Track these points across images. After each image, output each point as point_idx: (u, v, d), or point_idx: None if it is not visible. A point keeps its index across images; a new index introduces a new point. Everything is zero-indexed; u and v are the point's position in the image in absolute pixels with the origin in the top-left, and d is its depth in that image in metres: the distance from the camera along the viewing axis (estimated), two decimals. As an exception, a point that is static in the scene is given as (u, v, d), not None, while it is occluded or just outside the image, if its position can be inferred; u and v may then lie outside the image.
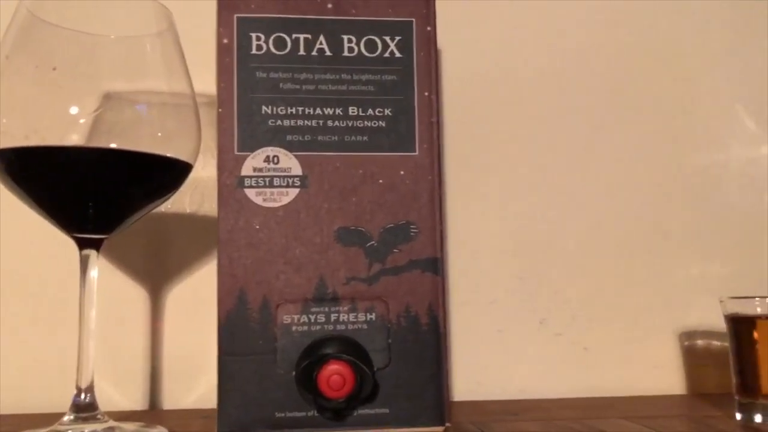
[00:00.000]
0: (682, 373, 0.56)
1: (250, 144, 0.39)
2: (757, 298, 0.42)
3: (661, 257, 0.57)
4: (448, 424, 0.39)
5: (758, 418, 0.40)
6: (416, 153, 0.39)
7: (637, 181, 0.57)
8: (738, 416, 0.42)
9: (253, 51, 0.39)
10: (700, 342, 0.56)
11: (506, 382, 0.54)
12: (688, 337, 0.56)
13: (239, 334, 0.37)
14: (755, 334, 0.41)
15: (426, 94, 0.40)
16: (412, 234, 0.39)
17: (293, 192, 0.39)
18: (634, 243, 0.57)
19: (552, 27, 0.58)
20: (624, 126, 0.58)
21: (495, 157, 0.57)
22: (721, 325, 0.43)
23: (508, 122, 0.57)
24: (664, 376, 0.55)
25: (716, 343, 0.55)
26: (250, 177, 0.38)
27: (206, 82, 0.44)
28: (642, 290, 0.56)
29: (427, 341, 0.38)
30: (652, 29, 0.59)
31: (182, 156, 0.40)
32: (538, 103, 0.58)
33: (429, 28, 0.41)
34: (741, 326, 0.42)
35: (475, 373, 0.54)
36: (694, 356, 0.56)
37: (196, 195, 0.52)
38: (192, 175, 0.42)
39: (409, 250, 0.39)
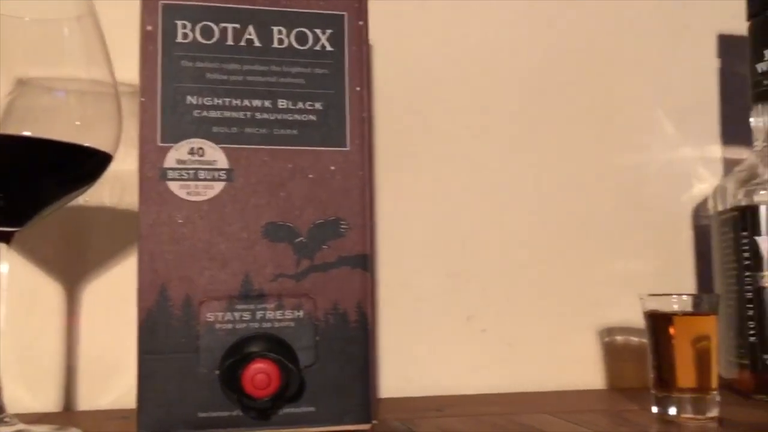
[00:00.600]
0: (602, 369, 0.57)
1: (173, 135, 0.37)
2: (674, 296, 0.43)
3: (585, 255, 0.58)
4: (374, 422, 0.39)
5: (672, 411, 0.42)
6: (347, 148, 0.39)
7: (563, 180, 0.59)
8: (654, 409, 0.43)
9: (179, 39, 0.38)
10: (619, 338, 0.57)
11: (433, 378, 0.54)
12: (608, 333, 0.58)
13: (160, 332, 0.36)
14: (672, 330, 0.43)
15: (357, 89, 0.40)
16: (341, 230, 0.39)
17: (219, 185, 0.38)
18: (559, 241, 0.58)
19: (483, 26, 0.59)
20: (551, 126, 0.59)
21: (425, 154, 0.57)
22: (641, 322, 0.45)
23: (439, 119, 0.57)
24: (586, 372, 0.57)
25: (635, 339, 0.57)
26: (174, 169, 0.37)
27: (129, 70, 0.42)
28: (566, 287, 0.58)
29: (355, 339, 0.38)
30: (580, 32, 0.60)
31: (101, 146, 0.39)
32: (468, 102, 0.58)
33: (361, 23, 0.40)
34: (658, 322, 0.43)
35: (403, 369, 0.54)
36: (614, 352, 0.57)
37: (116, 187, 0.50)
38: (112, 167, 0.40)
39: (338, 246, 0.38)
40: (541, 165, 0.58)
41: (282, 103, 0.39)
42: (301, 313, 0.38)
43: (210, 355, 0.36)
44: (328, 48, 0.40)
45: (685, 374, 0.41)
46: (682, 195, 0.60)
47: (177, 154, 0.37)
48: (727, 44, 0.62)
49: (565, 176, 0.59)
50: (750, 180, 0.50)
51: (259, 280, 0.37)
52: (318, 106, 0.39)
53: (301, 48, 0.39)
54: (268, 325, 0.37)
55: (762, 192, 0.49)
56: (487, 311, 0.56)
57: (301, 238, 0.38)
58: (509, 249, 0.57)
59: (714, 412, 0.41)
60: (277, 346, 0.36)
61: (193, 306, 0.37)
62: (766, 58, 0.51)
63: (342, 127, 0.39)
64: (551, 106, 0.59)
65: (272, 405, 0.36)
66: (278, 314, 0.37)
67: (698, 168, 0.61)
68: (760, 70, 0.52)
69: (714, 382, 0.42)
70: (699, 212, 0.60)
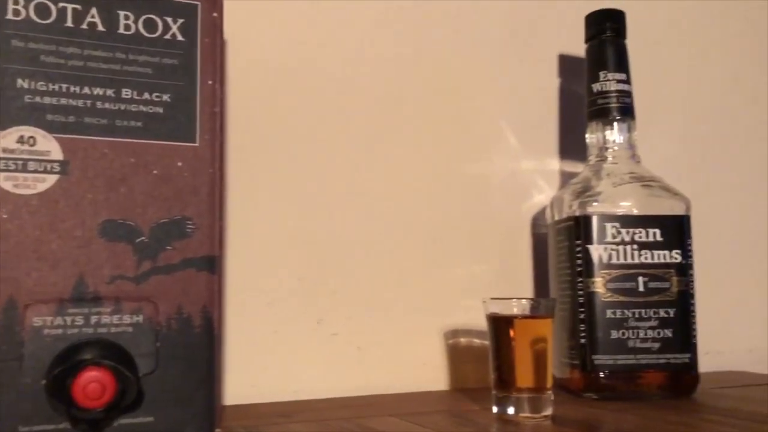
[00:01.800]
0: (446, 370, 0.59)
1: (0, 121, 0.34)
2: (514, 300, 0.45)
3: (432, 261, 0.60)
4: (218, 430, 0.37)
5: (511, 410, 0.44)
6: (196, 144, 0.37)
7: (412, 187, 0.60)
8: (494, 409, 0.45)
9: (9, 16, 0.35)
10: (462, 340, 0.59)
11: (281, 383, 0.53)
12: (452, 335, 0.59)
13: (-24, 339, 0.32)
14: (512, 333, 0.44)
15: (210, 82, 0.38)
16: (188, 230, 0.37)
17: (51, 178, 0.34)
18: (407, 246, 0.59)
19: (340, 31, 0.59)
20: (403, 133, 0.60)
21: (279, 155, 0.56)
22: (484, 325, 0.47)
23: (293, 120, 0.57)
24: (430, 373, 0.58)
25: (477, 341, 0.59)
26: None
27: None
28: (413, 291, 0.59)
29: (199, 344, 0.36)
30: (434, 45, 0.62)
31: None
32: (323, 104, 0.58)
33: (215, 14, 0.39)
34: (499, 325, 0.45)
35: (250, 375, 0.53)
36: (457, 354, 0.59)
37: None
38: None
39: (183, 247, 0.37)
40: (392, 171, 0.59)
41: (126, 93, 0.36)
42: (140, 318, 0.35)
43: (36, 364, 0.33)
44: (179, 38, 0.38)
45: (523, 375, 0.43)
46: (523, 204, 0.64)
47: (4, 142, 0.34)
48: (567, 64, 0.66)
49: (414, 183, 0.60)
50: (584, 192, 0.54)
51: (94, 282, 0.35)
52: (166, 98, 0.37)
53: (150, 36, 0.37)
54: (104, 330, 0.35)
55: (595, 203, 0.52)
56: (337, 315, 0.56)
57: (143, 238, 0.36)
58: (360, 253, 0.57)
59: (548, 411, 0.44)
60: (113, 353, 0.34)
61: (17, 310, 0.33)
62: (601, 79, 0.55)
63: (191, 122, 0.37)
64: (404, 114, 0.60)
65: (106, 416, 0.33)
66: (115, 319, 0.35)
67: (538, 179, 0.64)
68: (595, 90, 0.56)
69: (549, 382, 0.44)
70: (538, 221, 0.63)
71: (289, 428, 0.42)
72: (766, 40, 0.77)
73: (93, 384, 0.32)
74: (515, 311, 0.45)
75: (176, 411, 0.36)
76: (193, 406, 0.36)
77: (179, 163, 0.37)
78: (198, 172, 0.37)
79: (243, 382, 0.52)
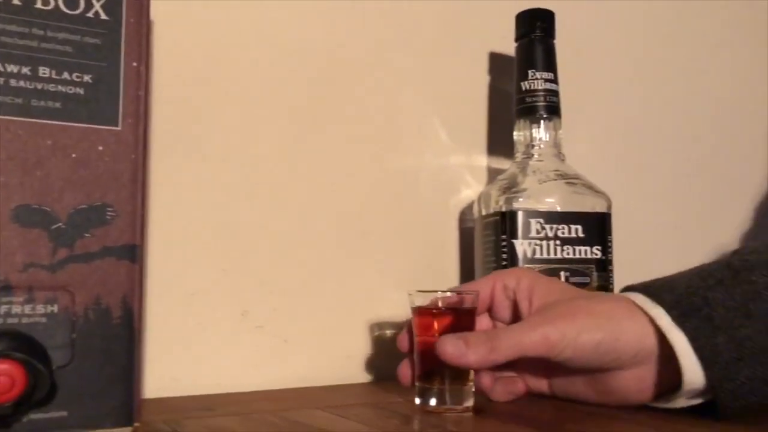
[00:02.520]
0: (372, 362, 0.59)
1: None
2: (439, 292, 0.46)
3: (359, 253, 0.60)
4: (136, 425, 0.36)
5: (433, 402, 0.44)
6: (119, 127, 0.36)
7: (341, 179, 0.59)
8: (417, 401, 0.45)
9: None
10: (388, 332, 0.60)
11: (204, 376, 0.52)
12: (378, 328, 0.59)
13: None
14: (436, 325, 0.45)
15: (134, 64, 0.36)
16: (108, 217, 0.35)
17: (-41, 159, 0.32)
18: (335, 239, 0.59)
19: (272, 20, 0.58)
20: (333, 126, 0.60)
21: (205, 143, 0.54)
22: (409, 317, 0.47)
23: (221, 109, 0.55)
24: (357, 366, 0.58)
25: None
26: None
27: None
28: (341, 284, 0.58)
29: (118, 336, 0.35)
30: (366, 38, 0.62)
31: None
32: (252, 93, 0.57)
33: (142, -6, 0.37)
34: (424, 317, 0.45)
35: (171, 368, 0.51)
36: (383, 346, 0.59)
37: None
38: None
39: (103, 235, 0.35)
40: (321, 163, 0.59)
41: (44, 72, 0.34)
42: (55, 308, 0.34)
43: (-63, 356, 0.31)
44: (103, 16, 0.36)
45: (446, 367, 0.44)
46: (451, 199, 0.64)
47: None
48: (497, 62, 0.67)
49: (343, 176, 0.60)
50: (510, 188, 0.55)
51: (5, 270, 0.33)
52: (87, 78, 0.35)
53: (71, 12, 0.35)
54: (15, 320, 0.33)
55: (520, 199, 0.53)
56: (263, 307, 0.55)
57: (60, 224, 0.34)
58: (287, 245, 0.57)
59: (470, 402, 0.44)
60: (24, 345, 0.32)
61: None
62: (529, 78, 0.57)
63: (114, 104, 0.36)
64: (335, 107, 0.60)
65: (14, 411, 0.31)
66: (28, 308, 0.33)
67: (466, 175, 0.65)
68: (524, 88, 0.57)
69: (471, 374, 0.45)
70: (465, 215, 0.64)
71: (211, 422, 0.41)
72: (686, 40, 0.80)
73: (1, 377, 0.31)
74: (440, 304, 0.45)
75: (92, 405, 0.34)
76: (111, 400, 0.35)
77: (100, 147, 0.35)
78: (120, 157, 0.36)
79: (164, 374, 0.51)
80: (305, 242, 0.57)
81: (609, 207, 0.55)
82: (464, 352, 0.41)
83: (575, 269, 0.53)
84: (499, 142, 0.65)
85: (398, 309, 0.58)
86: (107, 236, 0.35)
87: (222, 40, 0.56)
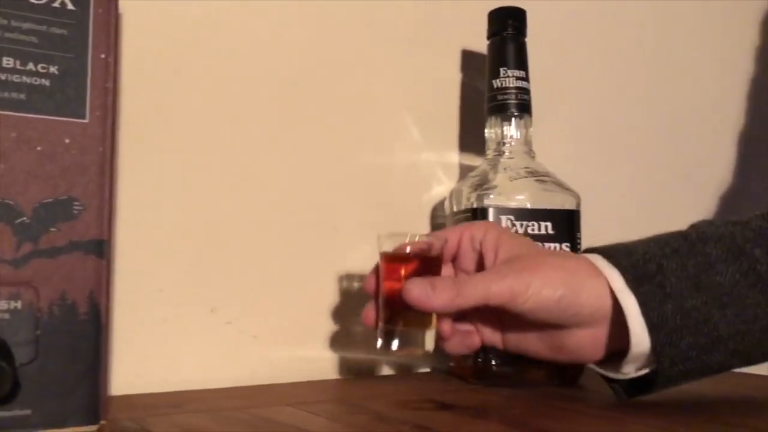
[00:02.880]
0: (342, 358, 0.59)
1: None
2: (408, 236, 0.45)
3: (332, 249, 0.59)
4: (102, 422, 0.35)
5: (395, 345, 0.44)
6: (86, 120, 0.35)
7: (313, 175, 0.59)
8: (379, 343, 0.44)
9: None
10: (359, 329, 0.59)
11: (172, 373, 0.51)
12: (350, 323, 0.59)
13: None
14: (402, 270, 0.44)
15: (102, 56, 0.36)
16: (74, 211, 0.35)
17: None
18: (306, 234, 0.58)
19: (243, 13, 0.57)
20: (305, 123, 0.59)
21: (174, 137, 0.54)
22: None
23: (192, 103, 0.55)
24: (326, 362, 0.58)
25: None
26: None
27: None
28: (311, 280, 0.58)
29: (84, 332, 0.34)
30: (340, 35, 0.61)
31: None
32: (224, 88, 0.56)
33: (110, -16, 0.36)
34: (391, 262, 0.45)
35: (138, 365, 0.51)
36: (354, 341, 0.59)
37: None
38: None
39: (69, 229, 0.34)
40: (293, 159, 0.58)
41: (7, 62, 0.34)
42: (19, 304, 0.33)
43: None
44: (70, 6, 0.35)
45: (410, 311, 0.43)
46: (423, 195, 0.64)
47: None
48: (469, 60, 0.67)
49: (316, 172, 0.59)
50: (482, 185, 0.55)
51: (-34, 265, 0.32)
52: (53, 69, 0.34)
53: (36, 2, 0.34)
54: (-23, 316, 0.32)
55: (491, 196, 0.54)
56: (231, 303, 0.55)
57: (24, 219, 0.33)
58: (257, 241, 0.56)
59: (430, 347, 0.44)
60: (-14, 342, 0.32)
61: None
62: (501, 76, 0.57)
63: (81, 96, 0.35)
64: (307, 103, 0.59)
65: (-23, 409, 0.31)
66: (-10, 304, 0.32)
67: (438, 172, 0.65)
68: (495, 86, 0.57)
69: (434, 321, 0.44)
70: (437, 212, 0.64)
71: (179, 419, 0.41)
72: (653, 41, 0.81)
73: (-37, 375, 0.30)
74: (407, 250, 0.45)
75: (57, 403, 0.34)
76: (76, 398, 0.34)
77: (66, 140, 0.35)
78: (87, 150, 0.35)
79: (131, 371, 0.50)
80: (276, 238, 0.57)
81: (578, 204, 0.55)
82: (430, 295, 0.41)
83: (545, 266, 0.53)
84: (471, 139, 0.66)
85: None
86: (74, 231, 0.34)
87: (193, 34, 0.55)
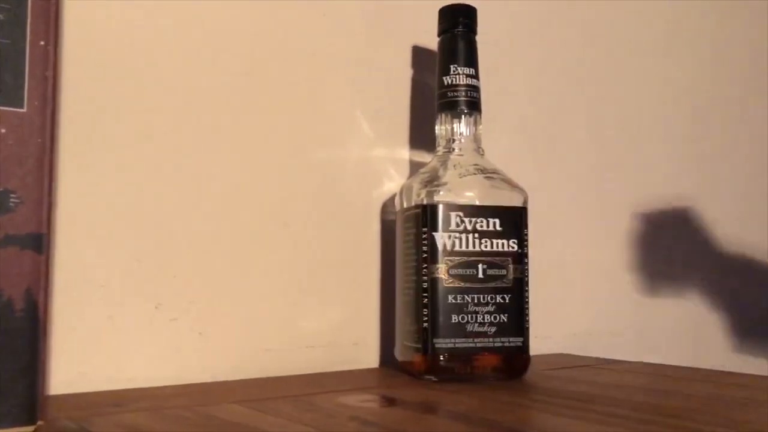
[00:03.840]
0: (289, 355, 0.58)
1: None
2: None
3: (280, 245, 0.59)
4: (40, 423, 0.34)
5: None
6: (23, 109, 0.34)
7: (261, 170, 0.58)
8: None
9: None
10: (306, 324, 0.59)
11: (114, 371, 0.50)
12: (297, 319, 0.59)
13: None
14: None
15: (42, 43, 0.35)
16: (11, 204, 0.33)
17: None
18: (256, 230, 0.58)
19: (192, 6, 0.56)
20: (254, 117, 0.58)
21: (119, 129, 0.52)
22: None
23: (137, 95, 0.53)
24: (274, 359, 0.57)
25: (323, 326, 0.59)
26: None
27: None
28: (259, 276, 0.58)
29: (21, 330, 0.33)
30: (289, 28, 0.61)
31: None
32: (170, 80, 0.55)
33: (50, -31, 0.35)
34: None
35: (79, 363, 0.49)
36: (303, 339, 0.59)
37: None
38: None
39: (5, 223, 0.33)
40: (242, 153, 0.58)
41: (-61, 47, 0.32)
42: (-50, 300, 0.32)
43: None
44: (7, -9, 0.34)
45: None
46: (373, 191, 0.64)
47: None
48: (420, 56, 0.67)
49: (264, 167, 0.59)
50: (432, 181, 0.55)
51: None
52: (-12, 56, 0.33)
53: (-30, -15, 0.33)
54: None
55: (441, 192, 0.54)
56: (177, 300, 0.54)
57: (-43, 211, 0.32)
58: (204, 236, 0.55)
59: None
60: None
61: None
62: (451, 73, 0.57)
63: (19, 85, 0.34)
64: (256, 97, 0.59)
65: None
66: None
67: (388, 167, 0.65)
68: (446, 83, 0.57)
69: None
70: (387, 208, 0.64)
71: (120, 418, 0.40)
72: (603, 39, 0.83)
73: None
74: None
75: (-9, 403, 0.32)
76: (12, 398, 0.33)
77: (2, 130, 0.33)
78: (25, 140, 0.34)
79: (73, 370, 0.49)
80: (223, 233, 0.56)
81: (525, 201, 0.56)
82: None
83: (492, 262, 0.54)
84: (422, 136, 0.66)
85: (318, 301, 0.57)
86: (10, 224, 0.33)
87: (139, 24, 0.54)
